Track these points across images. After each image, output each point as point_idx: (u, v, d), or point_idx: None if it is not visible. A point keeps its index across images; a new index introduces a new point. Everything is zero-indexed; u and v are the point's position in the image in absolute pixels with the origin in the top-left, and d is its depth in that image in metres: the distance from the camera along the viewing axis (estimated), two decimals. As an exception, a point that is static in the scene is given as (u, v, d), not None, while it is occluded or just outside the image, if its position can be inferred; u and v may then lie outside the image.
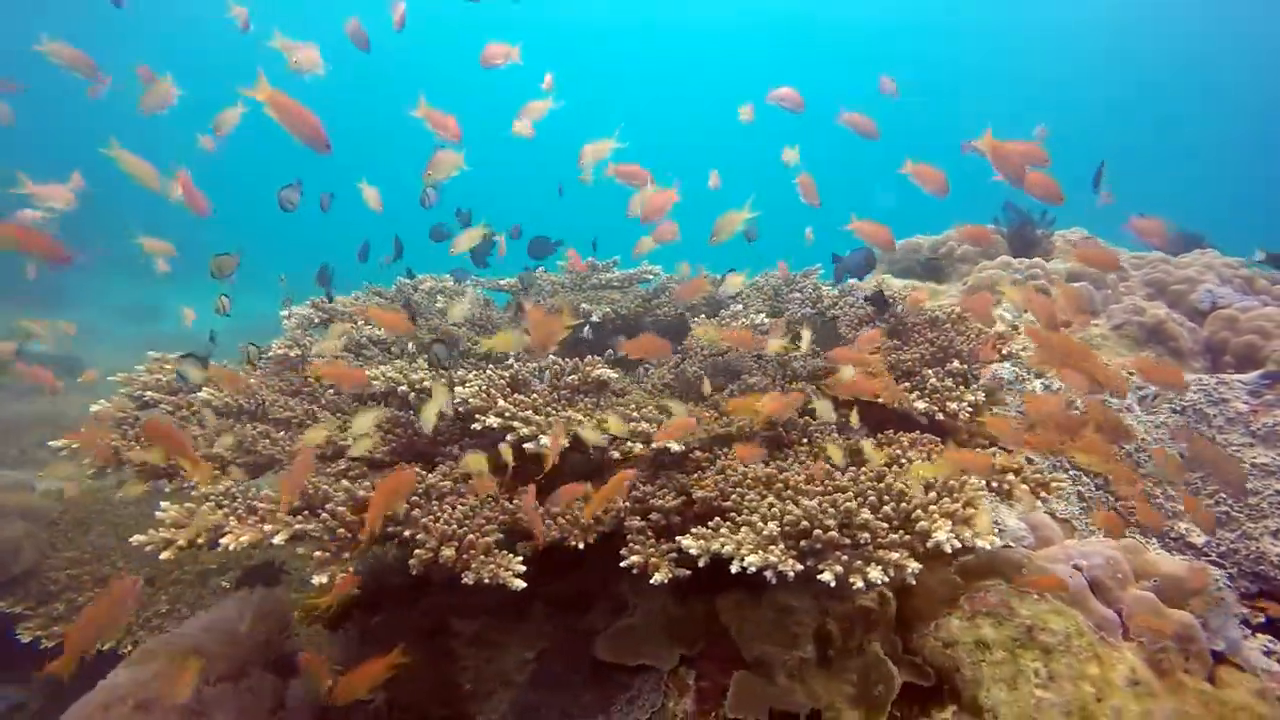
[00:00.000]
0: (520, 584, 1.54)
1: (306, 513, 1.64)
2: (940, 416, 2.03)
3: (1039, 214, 3.49)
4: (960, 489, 1.54)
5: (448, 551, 1.52)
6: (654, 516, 1.73)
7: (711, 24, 20.61)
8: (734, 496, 1.67)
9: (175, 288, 6.10)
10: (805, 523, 1.44)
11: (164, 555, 1.61)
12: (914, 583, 1.47)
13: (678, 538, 1.54)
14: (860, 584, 1.36)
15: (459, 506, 1.69)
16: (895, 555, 1.39)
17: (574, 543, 1.70)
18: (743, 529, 1.50)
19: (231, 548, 1.59)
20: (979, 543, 1.43)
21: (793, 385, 2.27)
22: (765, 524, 1.47)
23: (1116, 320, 2.89)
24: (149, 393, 2.28)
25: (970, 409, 2.05)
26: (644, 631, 1.96)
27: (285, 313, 2.94)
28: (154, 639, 2.51)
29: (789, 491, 1.63)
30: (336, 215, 3.15)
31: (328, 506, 1.64)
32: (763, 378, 2.33)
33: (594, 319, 3.18)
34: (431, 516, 1.63)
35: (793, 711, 1.71)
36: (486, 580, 1.51)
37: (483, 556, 1.55)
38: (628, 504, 1.76)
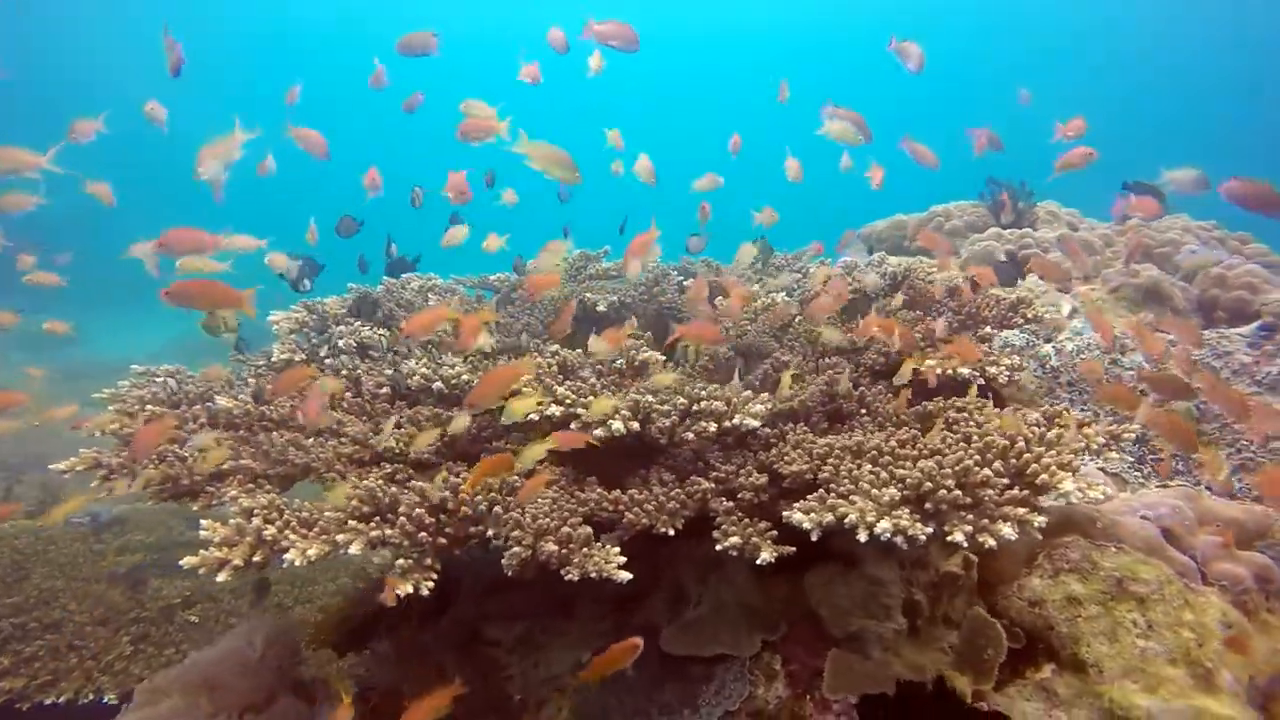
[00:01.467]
0: (626, 575, 1.45)
1: (378, 519, 1.51)
2: (981, 381, 2.02)
3: (1018, 185, 3.59)
4: (1058, 441, 1.52)
5: (550, 546, 1.41)
6: (745, 495, 1.66)
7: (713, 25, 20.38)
8: (828, 468, 1.61)
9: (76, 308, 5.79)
10: (928, 484, 1.39)
11: (221, 577, 1.44)
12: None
13: (785, 513, 1.47)
14: (991, 543, 1.33)
15: (541, 501, 1.58)
16: (1022, 510, 1.35)
17: (662, 529, 1.61)
18: (857, 498, 1.44)
19: (298, 563, 1.44)
20: (1092, 494, 1.42)
21: (825, 360, 2.23)
22: (882, 490, 1.42)
23: (1114, 283, 2.98)
24: (149, 407, 2.08)
25: (1009, 372, 2.06)
26: (716, 620, 1.89)
27: (274, 318, 2.74)
28: (161, 674, 2.30)
29: (885, 457, 1.58)
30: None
31: (402, 510, 1.50)
32: (792, 355, 2.29)
33: (600, 308, 3.09)
34: (519, 510, 1.52)
35: (888, 686, 1.68)
36: (592, 575, 1.41)
37: (585, 549, 1.45)
38: (711, 485, 1.69)
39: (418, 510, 1.48)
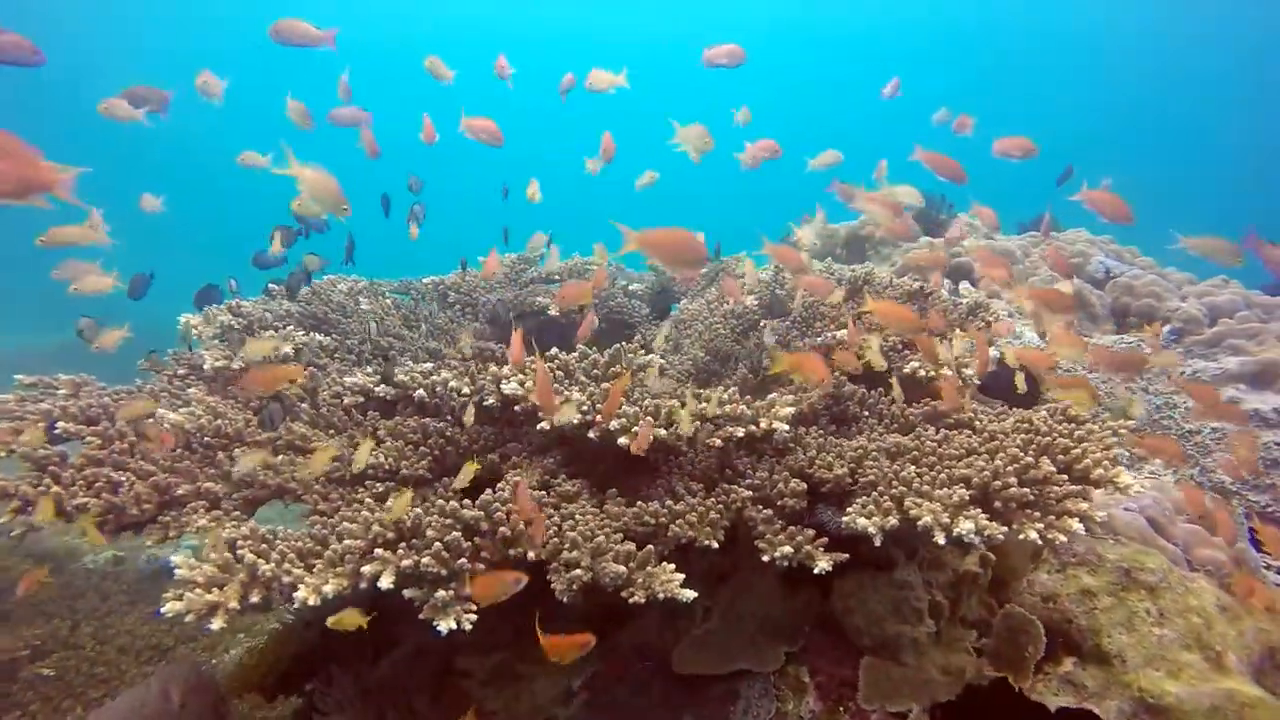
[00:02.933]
0: (691, 594, 1.34)
1: (404, 546, 1.30)
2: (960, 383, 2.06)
3: (939, 196, 3.76)
4: (1092, 435, 1.55)
5: (615, 567, 1.27)
6: (786, 503, 1.58)
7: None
8: (870, 471, 1.57)
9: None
10: (997, 482, 1.37)
11: (215, 625, 1.20)
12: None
13: (860, 518, 1.41)
14: (1062, 538, 1.32)
15: (582, 517, 1.43)
16: (1084, 505, 1.36)
17: (705, 541, 1.50)
18: (921, 499, 1.40)
19: (312, 602, 1.22)
20: (1137, 487, 1.45)
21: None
22: (951, 490, 1.39)
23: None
24: (61, 424, 1.73)
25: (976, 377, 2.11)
26: (732, 633, 1.80)
27: (195, 320, 2.40)
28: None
29: (929, 458, 1.56)
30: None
31: (431, 533, 1.31)
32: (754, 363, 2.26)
33: (552, 312, 2.94)
34: (564, 531, 1.37)
35: (927, 693, 1.65)
36: (661, 597, 1.29)
37: (647, 569, 1.32)
38: (748, 493, 1.60)
39: (453, 533, 1.29)
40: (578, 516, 1.43)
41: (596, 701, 1.85)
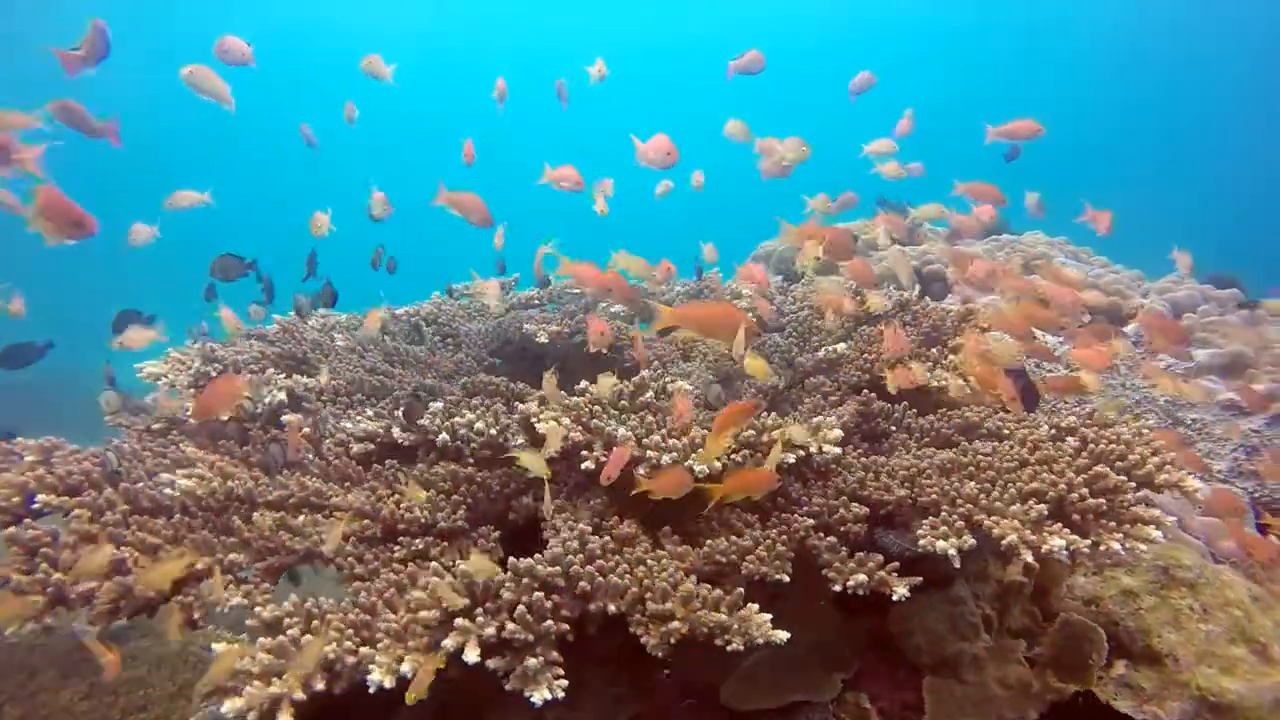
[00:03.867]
0: (785, 634, 1.28)
1: (481, 614, 1.20)
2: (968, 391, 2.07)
3: (903, 204, 3.84)
4: (1141, 439, 1.57)
5: (717, 616, 1.20)
6: (850, 529, 1.54)
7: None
8: (931, 491, 1.55)
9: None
10: (1074, 495, 1.37)
11: None
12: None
13: (939, 540, 1.38)
14: (1142, 548, 1.33)
15: (655, 562, 1.36)
16: (1155, 512, 1.37)
17: (777, 576, 1.45)
18: (998, 516, 1.39)
19: (388, 685, 1.11)
20: (1203, 489, 1.47)
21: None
22: (1027, 506, 1.38)
23: (1010, 294, 3.25)
24: (41, 497, 1.54)
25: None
26: (782, 664, 1.75)
27: (160, 368, 2.21)
28: None
29: (989, 472, 1.55)
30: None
31: (508, 595, 1.21)
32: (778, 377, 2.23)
33: (541, 340, 2.84)
34: (639, 577, 1.29)
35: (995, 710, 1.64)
36: (760, 642, 1.22)
37: (741, 612, 1.25)
38: (810, 522, 1.55)
39: (536, 594, 1.20)
40: (649, 561, 1.35)
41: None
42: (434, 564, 1.34)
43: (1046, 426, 1.75)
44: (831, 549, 1.51)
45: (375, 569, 1.45)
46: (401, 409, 1.78)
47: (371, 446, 1.86)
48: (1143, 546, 1.31)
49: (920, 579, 1.46)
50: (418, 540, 1.51)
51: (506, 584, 1.23)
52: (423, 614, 1.17)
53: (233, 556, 1.40)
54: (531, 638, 1.16)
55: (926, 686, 1.65)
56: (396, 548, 1.51)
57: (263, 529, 1.46)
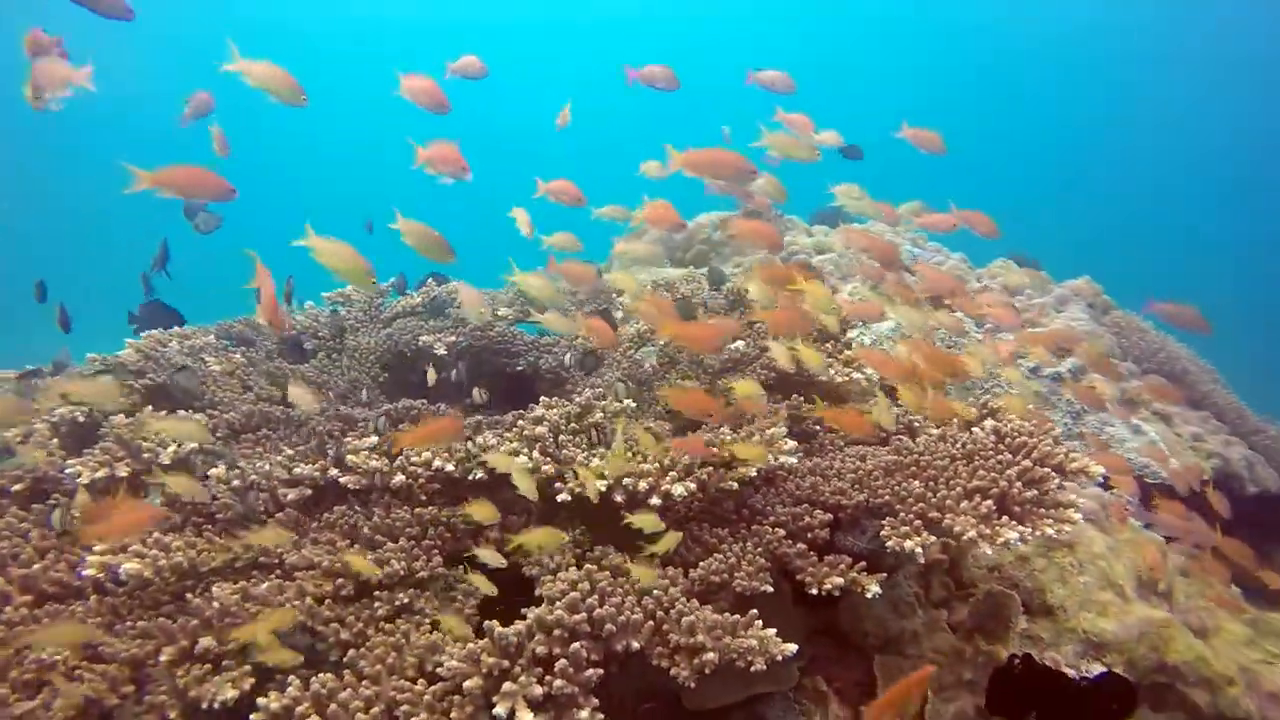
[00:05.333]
0: (793, 647, 1.37)
1: (538, 679, 1.18)
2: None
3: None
4: (1045, 430, 1.82)
5: (747, 642, 1.26)
6: (817, 535, 1.66)
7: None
8: (884, 493, 1.70)
9: None
10: (1014, 490, 1.57)
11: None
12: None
13: (905, 541, 1.53)
14: (1068, 529, 1.55)
15: (660, 592, 1.39)
16: (1073, 496, 1.61)
17: (764, 588, 1.54)
18: (953, 515, 1.56)
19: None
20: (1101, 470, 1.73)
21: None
22: (977, 502, 1.56)
23: (870, 282, 3.57)
24: None
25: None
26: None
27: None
28: None
29: (930, 471, 1.73)
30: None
31: (539, 649, 1.20)
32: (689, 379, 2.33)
33: (439, 351, 2.72)
34: (651, 609, 1.32)
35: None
36: (779, 659, 1.31)
37: (762, 633, 1.32)
38: (781, 532, 1.65)
39: (575, 645, 1.20)
40: (656, 593, 1.39)
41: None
42: (457, 629, 1.28)
43: (958, 421, 1.97)
44: (801, 555, 1.63)
45: (362, 632, 1.37)
46: (313, 451, 1.66)
47: (308, 492, 1.72)
48: (1068, 529, 1.53)
49: (885, 575, 1.60)
50: (402, 595, 1.43)
51: (536, 638, 1.22)
52: (471, 683, 1.13)
53: (204, 642, 1.26)
54: (576, 689, 1.16)
55: (877, 664, 1.82)
56: (376, 604, 1.43)
57: (226, 604, 1.32)
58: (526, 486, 1.42)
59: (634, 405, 1.95)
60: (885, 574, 1.62)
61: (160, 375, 2.28)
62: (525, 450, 1.66)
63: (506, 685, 1.13)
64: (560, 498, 1.58)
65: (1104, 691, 1.54)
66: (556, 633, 1.23)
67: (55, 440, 1.85)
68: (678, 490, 1.59)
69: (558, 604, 1.28)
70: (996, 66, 18.99)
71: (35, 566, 1.43)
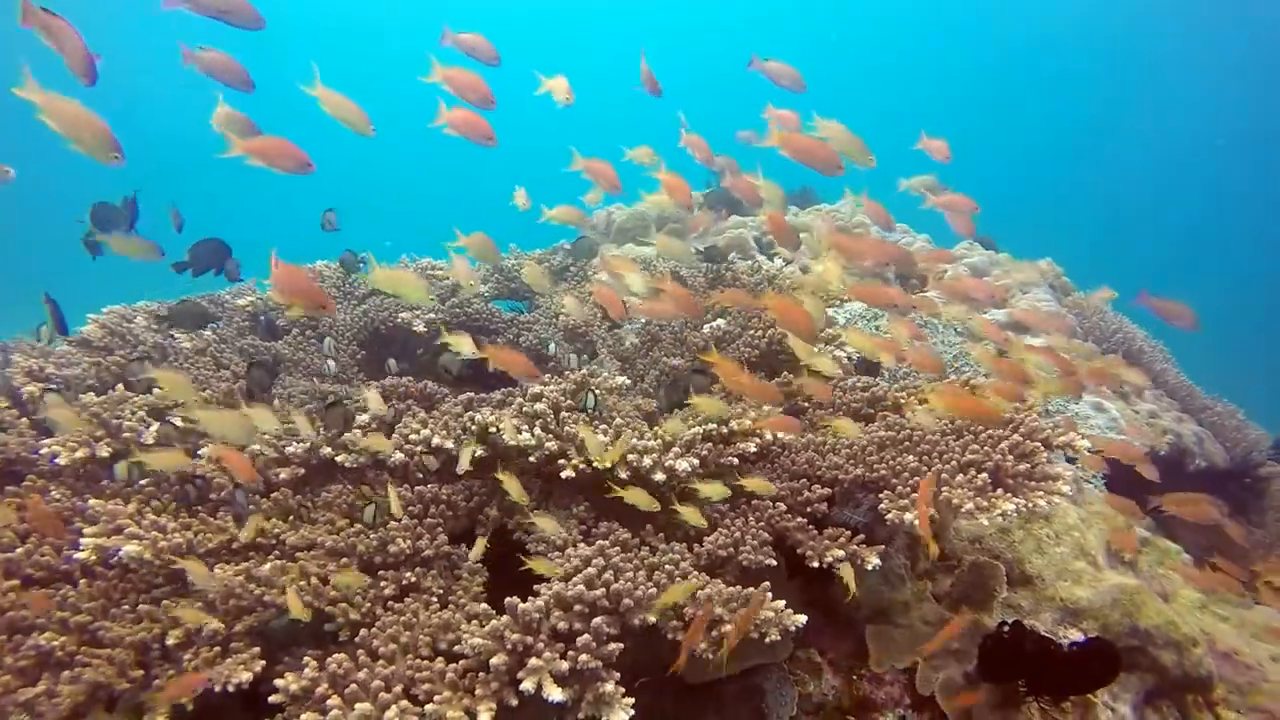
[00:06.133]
0: (803, 618, 1.39)
1: (559, 654, 1.17)
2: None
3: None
4: (1029, 406, 1.88)
5: (763, 612, 1.28)
6: (816, 509, 1.69)
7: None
8: (880, 468, 1.74)
9: None
10: (1007, 463, 1.62)
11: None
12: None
13: (890, 517, 1.57)
14: (1057, 500, 1.61)
15: (673, 567, 1.40)
16: (1060, 468, 1.67)
17: (769, 561, 1.56)
18: (951, 487, 1.60)
19: (469, 737, 1.07)
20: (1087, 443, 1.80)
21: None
22: (972, 475, 1.60)
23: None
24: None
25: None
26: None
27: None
28: None
29: (921, 446, 1.77)
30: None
31: (561, 626, 1.19)
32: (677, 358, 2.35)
33: (418, 328, 2.67)
34: (661, 582, 1.33)
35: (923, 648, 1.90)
36: (793, 630, 1.33)
37: (775, 605, 1.34)
38: (783, 507, 1.68)
39: (597, 620, 1.20)
40: (667, 567, 1.40)
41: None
42: (471, 607, 1.27)
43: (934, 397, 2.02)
44: (801, 529, 1.65)
45: (371, 611, 1.35)
46: (328, 419, 1.63)
47: (301, 471, 1.68)
48: (1058, 500, 1.59)
49: (883, 547, 1.64)
50: (407, 573, 1.41)
51: (555, 613, 1.22)
52: (497, 660, 1.12)
53: (212, 625, 1.22)
54: (600, 664, 1.17)
55: (869, 634, 1.87)
56: (383, 584, 1.41)
57: (229, 587, 1.29)
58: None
59: (627, 382, 1.95)
60: (883, 546, 1.66)
61: (132, 354, 2.19)
62: (527, 427, 1.64)
63: (532, 661, 1.12)
64: (565, 474, 1.58)
65: (1090, 655, 1.61)
66: (577, 608, 1.23)
67: (25, 421, 1.77)
68: (681, 465, 1.59)
69: (575, 579, 1.28)
70: (996, 63, 19.27)
71: (18, 551, 1.36)
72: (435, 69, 1.70)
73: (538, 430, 1.61)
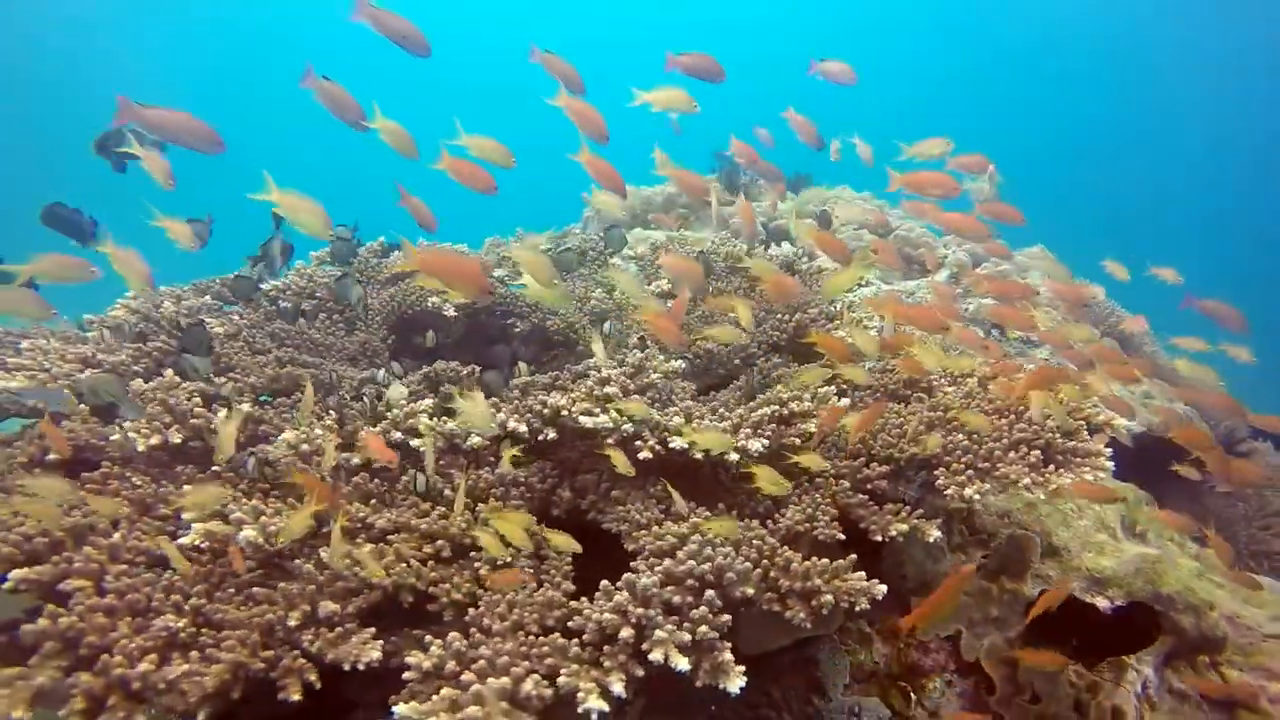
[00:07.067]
0: (883, 588, 1.47)
1: (665, 622, 1.23)
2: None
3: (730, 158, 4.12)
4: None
5: (856, 584, 1.35)
6: (877, 485, 1.77)
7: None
8: (936, 446, 1.82)
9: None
10: (1058, 440, 1.71)
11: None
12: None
13: (967, 488, 1.65)
14: (1102, 476, 1.71)
15: (760, 542, 1.47)
16: (1102, 446, 1.77)
17: (840, 536, 1.63)
18: (1001, 465, 1.69)
19: (606, 708, 1.12)
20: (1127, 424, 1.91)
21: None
22: (1027, 452, 1.70)
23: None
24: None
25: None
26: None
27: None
28: None
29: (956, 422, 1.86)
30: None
31: (676, 601, 1.25)
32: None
33: (450, 313, 2.68)
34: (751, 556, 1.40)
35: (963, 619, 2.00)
36: (879, 598, 1.40)
37: (859, 574, 1.42)
38: (846, 484, 1.75)
39: (709, 593, 1.25)
40: (754, 542, 1.46)
41: (658, 704, 1.89)
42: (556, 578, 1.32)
43: (976, 380, 2.11)
44: (863, 504, 1.73)
45: (471, 592, 1.39)
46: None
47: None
48: (1102, 475, 1.69)
49: (940, 519, 1.73)
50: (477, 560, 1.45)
51: (666, 590, 1.27)
52: (624, 633, 1.17)
53: (326, 605, 1.25)
54: (716, 634, 1.22)
55: (915, 606, 1.96)
56: (477, 564, 1.44)
57: (337, 567, 1.31)
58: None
59: (683, 365, 2.00)
60: (940, 519, 1.75)
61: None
62: (598, 410, 1.68)
63: (658, 633, 1.18)
64: (641, 455, 1.62)
65: (1131, 619, 1.73)
66: (689, 583, 1.28)
67: (84, 408, 1.75)
68: (754, 446, 1.65)
69: (681, 555, 1.33)
70: (998, 60, 19.51)
71: (115, 537, 1.36)
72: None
73: (613, 413, 1.66)
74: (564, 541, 1.35)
